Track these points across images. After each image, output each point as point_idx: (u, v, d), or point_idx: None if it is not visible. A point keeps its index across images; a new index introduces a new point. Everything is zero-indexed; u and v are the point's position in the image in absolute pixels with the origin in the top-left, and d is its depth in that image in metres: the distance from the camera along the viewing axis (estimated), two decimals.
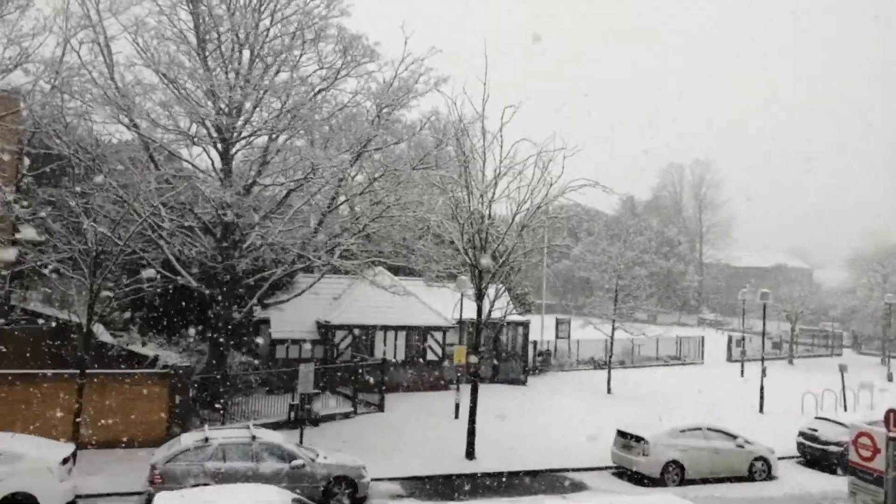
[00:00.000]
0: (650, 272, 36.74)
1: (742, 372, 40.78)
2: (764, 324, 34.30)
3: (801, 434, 22.35)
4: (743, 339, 45.34)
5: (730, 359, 47.04)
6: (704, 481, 19.08)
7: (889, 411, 15.45)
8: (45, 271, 19.47)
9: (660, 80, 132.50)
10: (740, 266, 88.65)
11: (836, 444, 20.73)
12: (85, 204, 18.63)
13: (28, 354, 22.17)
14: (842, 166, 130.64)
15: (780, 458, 20.77)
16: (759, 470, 19.83)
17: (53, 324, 22.91)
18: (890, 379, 41.51)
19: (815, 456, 21.57)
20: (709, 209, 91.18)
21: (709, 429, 19.85)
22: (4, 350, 21.86)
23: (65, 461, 14.49)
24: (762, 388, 29.99)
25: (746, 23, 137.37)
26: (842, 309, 64.32)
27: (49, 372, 19.45)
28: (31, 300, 24.82)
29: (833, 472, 20.64)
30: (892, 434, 15.32)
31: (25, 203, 18.76)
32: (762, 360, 32.03)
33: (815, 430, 21.89)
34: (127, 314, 24.88)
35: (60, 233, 18.78)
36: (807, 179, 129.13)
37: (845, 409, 29.19)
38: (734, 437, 19.94)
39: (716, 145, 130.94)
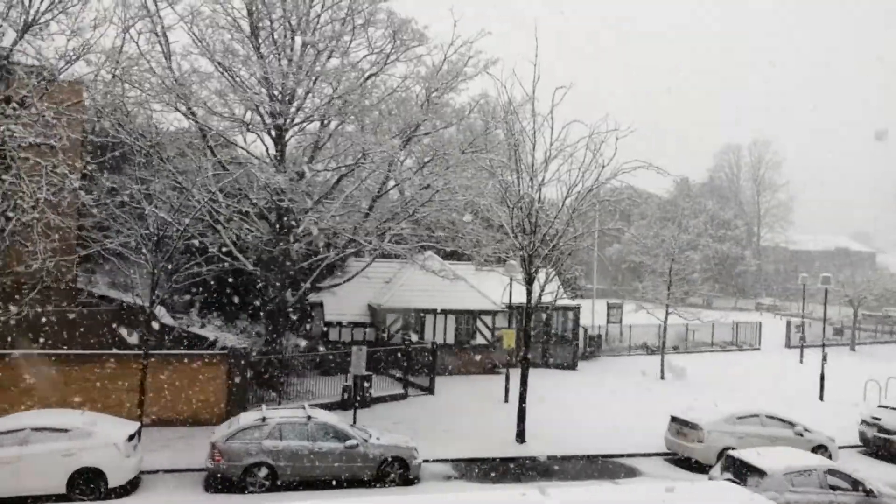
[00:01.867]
0: (705, 256, 35.97)
1: (801, 358, 39.65)
2: (825, 309, 33.19)
3: (864, 422, 21.64)
4: (802, 324, 44.02)
5: (788, 345, 45.78)
6: None
7: None
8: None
9: (718, 61, 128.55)
10: (800, 250, 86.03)
11: None
12: (146, 190, 19.24)
13: (94, 335, 23.15)
14: None
15: (840, 447, 20.18)
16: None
17: (118, 306, 23.81)
18: None
19: (879, 445, 20.87)
20: (767, 191, 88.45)
21: (766, 416, 19.41)
22: (73, 331, 22.88)
23: (130, 438, 15.08)
24: (822, 375, 29.11)
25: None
26: None
27: (114, 352, 20.27)
28: (97, 283, 25.85)
29: None
30: None
31: (90, 190, 19.46)
32: (822, 346, 31.04)
33: (879, 419, 21.16)
34: (187, 297, 25.66)
35: (123, 218, 19.46)
36: (870, 160, 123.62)
37: None
38: (792, 424, 19.44)
39: (775, 126, 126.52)
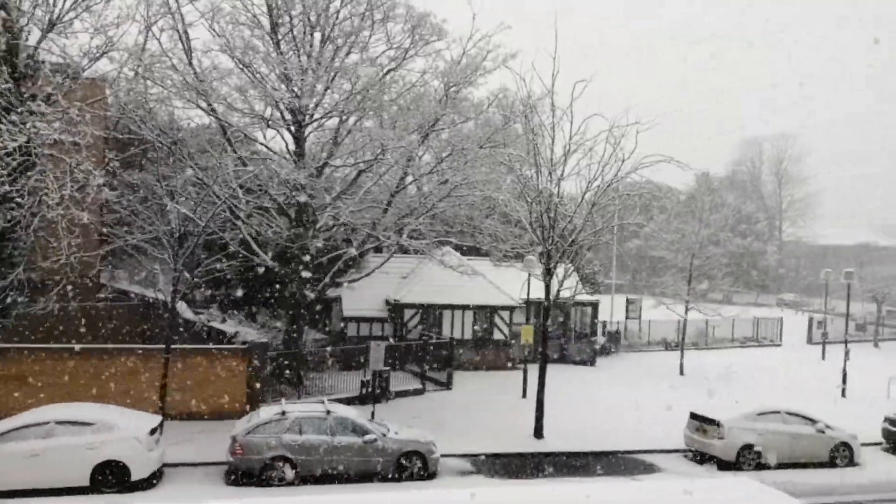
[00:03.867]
0: (726, 251, 35.58)
1: (823, 355, 39.18)
2: (848, 305, 32.77)
3: (888, 420, 21.33)
4: (825, 320, 43.51)
5: (810, 341, 45.27)
6: (782, 466, 18.53)
7: None
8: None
9: (742, 52, 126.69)
10: (823, 244, 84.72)
11: None
12: (167, 186, 19.44)
13: (117, 330, 23.46)
14: None
15: (863, 445, 19.92)
16: (841, 456, 19.11)
17: (140, 301, 24.13)
18: None
19: None
20: (790, 185, 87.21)
21: (787, 413, 19.22)
22: (96, 326, 23.21)
23: (152, 431, 15.26)
24: (845, 372, 28.76)
25: None
26: None
27: (137, 347, 20.55)
28: (120, 279, 26.19)
29: None
30: None
31: (114, 186, 19.72)
32: (845, 342, 30.61)
33: None
34: (208, 292, 25.93)
35: (145, 214, 19.70)
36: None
37: None
38: (814, 421, 19.24)
39: (801, 117, 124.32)
